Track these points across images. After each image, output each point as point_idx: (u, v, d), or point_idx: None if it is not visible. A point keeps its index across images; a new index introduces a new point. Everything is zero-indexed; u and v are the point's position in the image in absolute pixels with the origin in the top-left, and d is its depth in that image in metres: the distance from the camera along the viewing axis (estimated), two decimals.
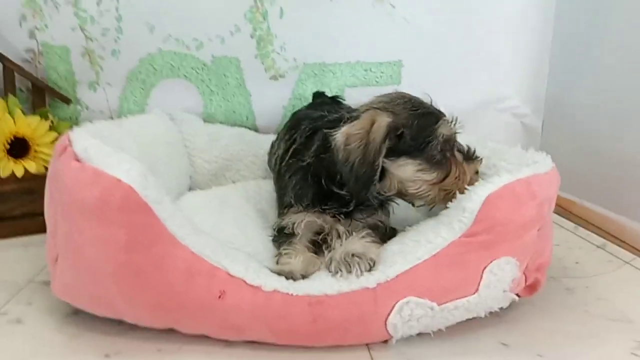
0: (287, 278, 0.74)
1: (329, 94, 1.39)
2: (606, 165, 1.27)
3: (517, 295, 0.79)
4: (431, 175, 0.82)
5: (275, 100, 1.29)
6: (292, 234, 0.87)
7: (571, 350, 0.75)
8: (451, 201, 0.79)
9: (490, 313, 0.77)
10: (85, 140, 0.73)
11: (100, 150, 0.71)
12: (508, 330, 0.79)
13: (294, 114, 1.25)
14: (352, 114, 0.85)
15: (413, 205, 0.91)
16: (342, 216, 0.87)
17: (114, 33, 1.28)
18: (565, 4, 1.44)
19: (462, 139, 1.06)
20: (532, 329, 0.79)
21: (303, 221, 0.87)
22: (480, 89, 1.50)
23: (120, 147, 0.81)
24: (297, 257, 0.81)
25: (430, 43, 1.43)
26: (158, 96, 1.35)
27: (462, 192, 0.78)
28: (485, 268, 0.73)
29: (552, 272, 0.88)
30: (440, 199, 0.83)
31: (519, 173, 0.76)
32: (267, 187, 1.21)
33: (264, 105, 1.38)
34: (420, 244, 0.74)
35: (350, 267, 0.74)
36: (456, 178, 0.83)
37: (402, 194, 0.86)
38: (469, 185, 0.79)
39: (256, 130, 1.41)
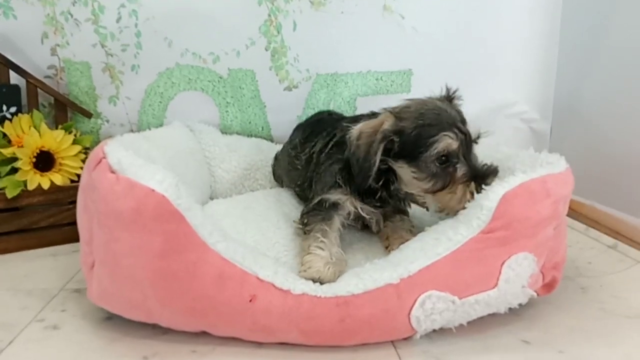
0: (314, 282, 0.77)
1: (342, 103, 1.42)
2: (615, 167, 1.30)
3: (536, 292, 0.81)
4: (427, 184, 0.86)
5: (290, 111, 1.32)
6: (331, 209, 0.93)
7: (591, 346, 0.77)
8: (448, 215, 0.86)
9: (510, 310, 0.80)
10: (118, 152, 0.75)
11: (133, 162, 0.74)
12: (528, 328, 0.81)
13: (316, 117, 1.28)
14: (375, 113, 0.93)
15: (427, 210, 0.97)
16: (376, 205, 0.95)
17: (134, 49, 1.32)
18: (571, 8, 1.48)
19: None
20: (551, 327, 0.82)
21: (347, 201, 0.93)
22: (489, 95, 1.53)
23: (150, 158, 0.85)
24: (326, 258, 0.85)
25: (439, 51, 1.47)
26: (176, 109, 1.39)
27: (454, 214, 0.83)
28: (503, 263, 0.75)
29: (566, 271, 0.90)
30: (437, 208, 0.89)
31: (534, 173, 0.79)
32: (286, 194, 1.24)
33: (278, 116, 1.42)
34: (440, 241, 0.77)
35: None
36: (449, 194, 0.85)
37: (409, 194, 0.93)
38: (459, 206, 0.83)
39: (271, 140, 1.45)
